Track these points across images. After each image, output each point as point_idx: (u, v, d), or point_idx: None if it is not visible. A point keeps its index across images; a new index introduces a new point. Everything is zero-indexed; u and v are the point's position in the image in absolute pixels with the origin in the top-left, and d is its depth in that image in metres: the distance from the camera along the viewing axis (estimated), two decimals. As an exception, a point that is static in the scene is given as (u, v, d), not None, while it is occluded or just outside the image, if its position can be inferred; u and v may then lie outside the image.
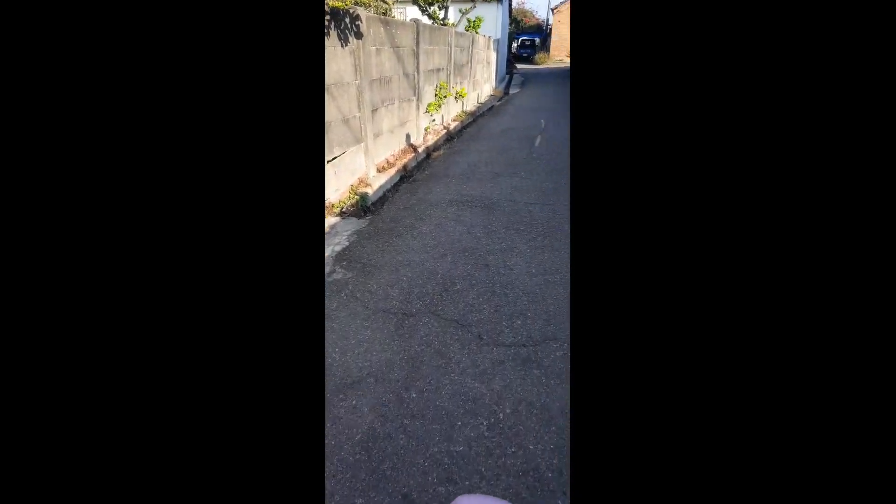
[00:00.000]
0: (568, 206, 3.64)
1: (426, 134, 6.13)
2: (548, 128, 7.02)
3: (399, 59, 4.83)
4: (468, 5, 10.05)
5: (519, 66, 23.77)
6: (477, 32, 9.54)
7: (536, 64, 26.20)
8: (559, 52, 29.35)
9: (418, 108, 5.74)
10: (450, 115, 7.44)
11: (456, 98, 7.84)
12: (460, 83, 8.05)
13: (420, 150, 5.59)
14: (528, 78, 17.29)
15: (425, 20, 8.62)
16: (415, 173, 4.83)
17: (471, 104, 9.11)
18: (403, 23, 4.88)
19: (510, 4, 19.47)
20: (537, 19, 35.04)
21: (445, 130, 6.71)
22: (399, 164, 4.85)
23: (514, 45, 27.32)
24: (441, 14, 9.35)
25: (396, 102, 4.97)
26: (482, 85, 10.46)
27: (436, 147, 5.94)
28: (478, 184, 4.32)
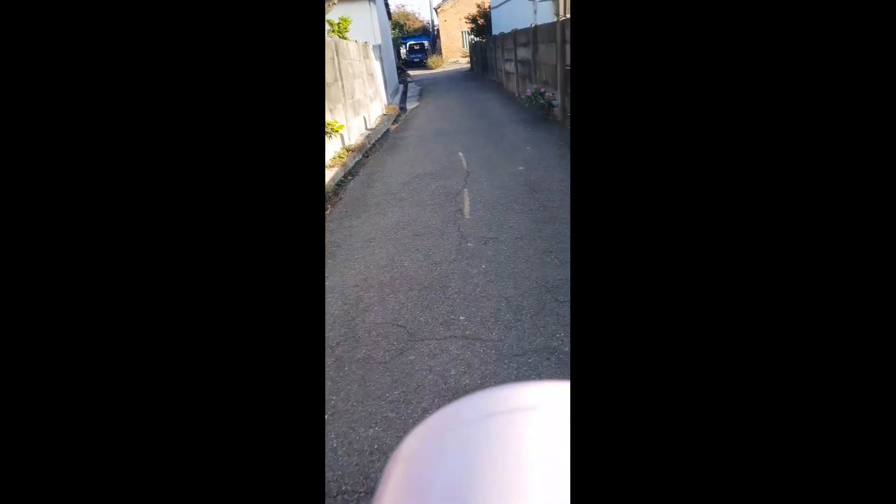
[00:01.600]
0: None
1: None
2: (473, 170, 4.59)
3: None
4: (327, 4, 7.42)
5: (412, 72, 21.72)
6: (344, 37, 6.95)
7: (430, 68, 24.32)
8: (452, 53, 27.79)
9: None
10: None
11: (329, 136, 5.23)
12: (330, 113, 5.43)
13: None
14: (425, 86, 15.07)
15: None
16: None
17: (356, 135, 6.53)
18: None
19: (387, 5, 17.15)
20: (421, 21, 33.18)
21: (312, 198, 4.05)
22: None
23: (403, 50, 25.56)
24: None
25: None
26: (368, 105, 7.91)
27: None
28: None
